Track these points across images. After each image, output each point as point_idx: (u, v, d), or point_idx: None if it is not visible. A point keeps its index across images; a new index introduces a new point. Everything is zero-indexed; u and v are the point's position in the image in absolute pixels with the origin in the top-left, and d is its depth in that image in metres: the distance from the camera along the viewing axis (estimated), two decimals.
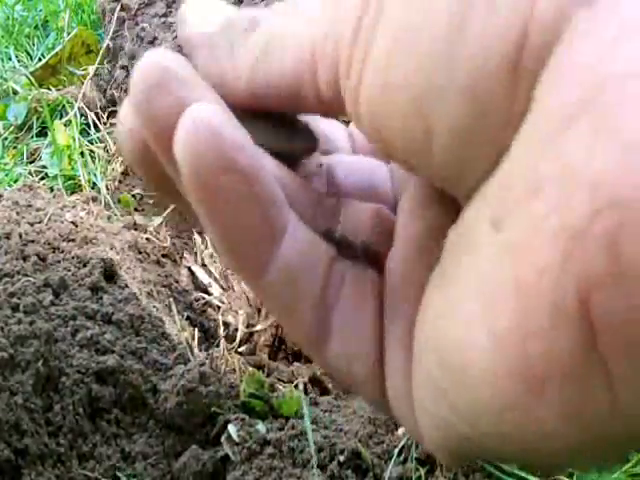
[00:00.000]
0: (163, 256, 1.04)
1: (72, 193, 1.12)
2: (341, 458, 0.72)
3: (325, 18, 0.19)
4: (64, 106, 1.26)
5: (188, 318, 0.97)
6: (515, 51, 0.15)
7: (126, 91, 1.22)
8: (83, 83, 1.29)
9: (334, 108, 0.19)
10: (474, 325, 0.15)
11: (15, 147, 1.23)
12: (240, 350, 0.99)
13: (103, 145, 1.21)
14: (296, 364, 1.12)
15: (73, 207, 1.02)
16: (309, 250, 0.20)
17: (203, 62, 0.22)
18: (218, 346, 0.94)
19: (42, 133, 1.26)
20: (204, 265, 1.07)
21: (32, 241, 0.90)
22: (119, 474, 0.70)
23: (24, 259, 0.86)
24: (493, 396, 0.15)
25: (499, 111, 0.15)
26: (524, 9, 0.14)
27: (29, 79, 1.32)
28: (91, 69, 1.31)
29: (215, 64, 0.22)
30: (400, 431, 0.75)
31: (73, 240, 0.93)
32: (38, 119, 1.26)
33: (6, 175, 1.16)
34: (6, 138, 1.25)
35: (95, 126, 1.24)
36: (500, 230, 0.15)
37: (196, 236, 1.11)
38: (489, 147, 0.16)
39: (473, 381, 0.15)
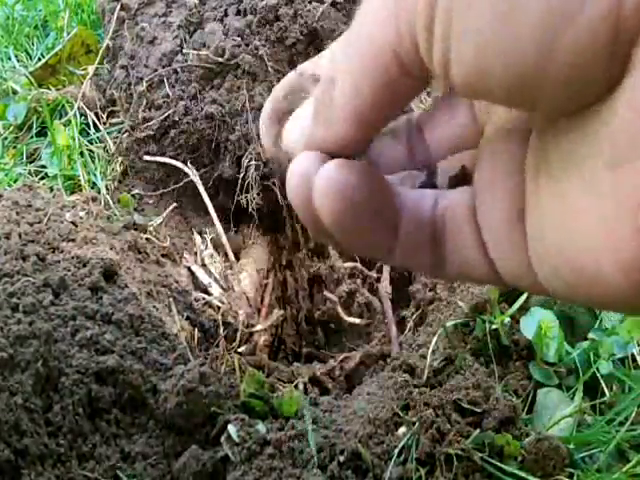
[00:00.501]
0: (163, 256, 1.04)
1: (72, 193, 1.12)
2: (341, 458, 0.72)
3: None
4: (64, 106, 1.26)
5: (188, 318, 0.97)
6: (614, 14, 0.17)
7: (126, 91, 1.22)
8: (83, 83, 1.28)
9: (418, 74, 0.22)
10: (600, 252, 0.19)
11: (15, 147, 1.23)
12: (240, 350, 0.99)
13: (103, 145, 1.21)
14: (296, 364, 1.12)
15: (73, 207, 1.02)
16: (419, 214, 0.26)
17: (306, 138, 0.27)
18: (218, 346, 0.94)
19: (42, 133, 1.26)
20: (204, 265, 1.07)
21: (32, 241, 0.90)
22: (119, 474, 0.70)
23: (24, 259, 0.85)
24: (622, 302, 0.20)
25: (599, 68, 0.18)
26: None
27: (29, 79, 1.32)
28: (91, 69, 1.31)
29: (317, 141, 0.26)
30: (400, 431, 0.74)
31: (73, 240, 0.92)
32: (38, 119, 1.26)
33: (6, 175, 1.16)
34: (6, 138, 1.24)
35: (95, 126, 1.24)
36: (615, 171, 0.18)
37: (196, 236, 1.11)
38: (595, 90, 0.18)
39: (597, 289, 0.20)
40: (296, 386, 0.97)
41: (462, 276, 0.27)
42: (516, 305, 0.84)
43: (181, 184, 1.15)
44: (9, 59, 1.45)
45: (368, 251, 0.27)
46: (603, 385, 0.78)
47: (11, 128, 1.26)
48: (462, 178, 0.28)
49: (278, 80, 1.17)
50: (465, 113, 0.28)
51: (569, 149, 0.20)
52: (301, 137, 0.26)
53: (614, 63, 0.18)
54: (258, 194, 1.14)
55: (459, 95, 0.24)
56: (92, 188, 1.13)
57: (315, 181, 0.24)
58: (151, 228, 1.06)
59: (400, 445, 0.72)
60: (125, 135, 1.19)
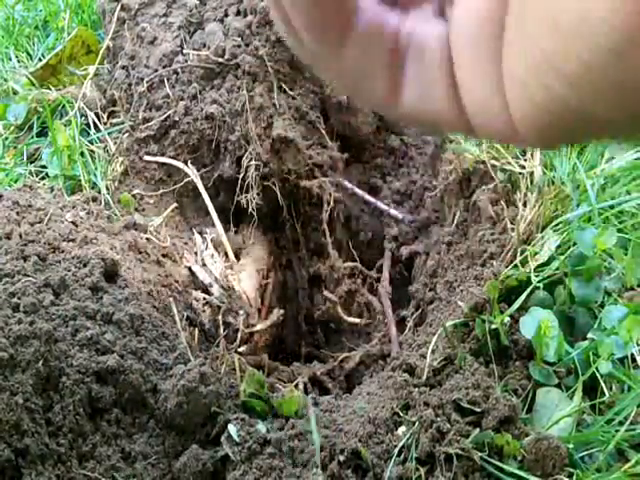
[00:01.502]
0: (163, 256, 1.04)
1: (72, 193, 1.12)
2: (341, 458, 0.72)
3: None
4: (64, 106, 1.26)
5: (188, 318, 0.97)
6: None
7: (126, 91, 1.22)
8: (83, 83, 1.29)
9: None
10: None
11: (16, 147, 1.23)
12: (240, 350, 0.99)
13: (103, 145, 1.21)
14: (296, 364, 1.12)
15: (73, 207, 1.02)
16: (380, 23, 0.24)
17: None
18: (218, 346, 0.94)
19: (42, 133, 1.26)
20: (204, 265, 1.07)
21: (32, 241, 0.90)
22: (119, 474, 0.71)
23: (24, 259, 0.86)
24: (612, 34, 0.18)
25: None
26: None
27: (29, 79, 1.32)
28: (91, 69, 1.31)
29: None
30: (400, 431, 0.75)
31: (73, 240, 0.93)
32: (38, 119, 1.26)
33: (7, 175, 1.16)
34: (7, 138, 1.25)
35: (95, 126, 1.24)
36: None
37: (196, 236, 1.11)
38: None
39: (592, 29, 0.19)
40: (296, 386, 0.97)
41: (419, 110, 0.25)
42: (516, 305, 0.85)
43: (181, 184, 1.16)
44: (9, 59, 1.45)
45: (315, 33, 0.25)
46: (603, 385, 0.78)
47: (12, 128, 1.26)
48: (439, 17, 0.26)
49: (278, 80, 1.17)
50: None
51: None
52: None
53: None
54: (258, 194, 1.14)
55: None
56: (92, 188, 1.13)
57: None
58: (151, 228, 1.07)
59: (400, 445, 0.72)
60: (125, 135, 1.19)
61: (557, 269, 0.86)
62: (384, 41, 0.24)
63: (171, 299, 0.94)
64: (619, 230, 0.89)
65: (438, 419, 0.73)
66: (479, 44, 0.23)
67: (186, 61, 1.17)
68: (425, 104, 0.25)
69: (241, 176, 1.13)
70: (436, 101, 0.24)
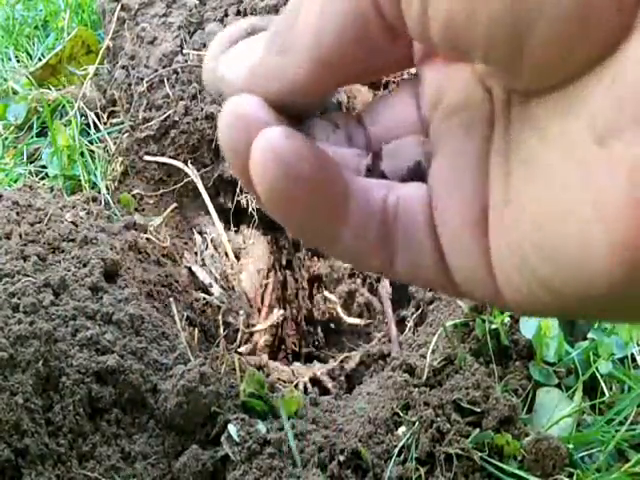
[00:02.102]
0: (163, 256, 1.04)
1: (72, 193, 1.12)
2: (341, 458, 0.72)
3: None
4: (64, 106, 1.26)
5: (188, 318, 0.97)
6: None
7: (126, 91, 1.22)
8: (83, 83, 1.29)
9: (397, 29, 0.20)
10: (587, 228, 0.17)
11: (15, 147, 1.23)
12: (240, 350, 0.99)
13: (103, 145, 1.21)
14: (296, 364, 1.12)
15: (73, 207, 1.02)
16: (369, 202, 0.24)
17: (251, 81, 0.24)
18: (218, 346, 0.94)
19: (42, 133, 1.26)
20: (204, 265, 1.07)
21: (33, 241, 0.90)
22: (119, 474, 0.71)
23: (24, 259, 0.86)
24: (608, 287, 0.18)
25: (603, 20, 0.16)
26: None
27: (29, 79, 1.32)
28: (91, 69, 1.31)
29: (266, 70, 0.23)
30: (400, 431, 0.75)
31: (73, 240, 0.93)
32: (38, 119, 1.26)
33: (6, 175, 1.16)
34: (6, 138, 1.25)
35: (95, 126, 1.24)
36: (607, 146, 0.17)
37: (196, 236, 1.11)
38: (587, 53, 0.17)
39: (586, 274, 0.18)
40: (296, 386, 0.97)
41: (412, 277, 0.25)
42: None
43: (181, 184, 1.15)
44: (9, 59, 1.45)
45: (309, 237, 0.24)
46: (603, 385, 0.78)
47: (11, 128, 1.26)
48: (416, 173, 0.25)
49: None
50: (408, 101, 0.26)
51: (545, 126, 0.19)
52: (244, 69, 0.23)
53: (621, 15, 0.16)
54: None
55: (439, 51, 0.22)
56: (92, 188, 1.13)
57: (253, 145, 0.21)
58: (151, 228, 1.07)
59: (400, 445, 0.72)
60: (125, 135, 1.19)
61: None
62: (374, 223, 0.24)
63: (171, 299, 0.94)
64: None
65: (438, 419, 0.73)
66: (463, 224, 0.23)
67: (186, 61, 1.17)
68: (416, 272, 0.24)
69: None
70: (426, 270, 0.24)
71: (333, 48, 0.21)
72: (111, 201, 1.09)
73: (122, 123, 1.22)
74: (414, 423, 0.73)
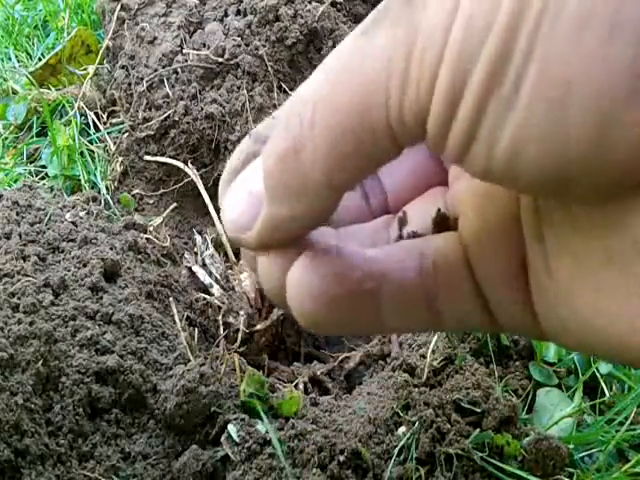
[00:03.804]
0: (163, 256, 1.04)
1: (72, 193, 1.12)
2: (341, 458, 0.72)
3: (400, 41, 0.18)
4: (64, 106, 1.26)
5: (188, 318, 0.97)
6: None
7: (126, 91, 1.22)
8: (83, 83, 1.28)
9: (409, 141, 0.19)
10: (623, 329, 0.18)
11: (15, 147, 1.23)
12: (240, 350, 0.99)
13: (103, 145, 1.21)
14: (296, 364, 1.12)
15: (73, 207, 1.02)
16: (404, 275, 0.24)
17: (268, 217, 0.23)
18: (218, 346, 0.94)
19: (42, 133, 1.26)
20: (204, 265, 1.07)
21: (32, 241, 0.90)
22: (119, 474, 0.70)
23: (24, 259, 0.86)
24: None
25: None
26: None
27: (29, 79, 1.32)
28: (91, 69, 1.31)
29: (276, 224, 0.23)
30: (400, 431, 0.74)
31: (73, 240, 0.92)
32: (38, 119, 1.26)
33: (6, 175, 1.16)
34: (6, 138, 1.25)
35: (95, 126, 1.24)
36: None
37: (196, 236, 1.11)
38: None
39: (615, 352, 0.19)
40: (296, 386, 0.97)
41: (461, 327, 0.26)
42: None
43: (181, 184, 1.15)
44: (9, 59, 1.45)
45: (357, 333, 0.27)
46: (603, 385, 0.78)
47: (11, 128, 1.26)
48: (442, 222, 0.25)
49: (278, 80, 1.17)
50: (425, 151, 0.26)
51: (587, 231, 0.19)
52: (252, 219, 0.23)
53: None
54: None
55: (469, 174, 0.20)
56: (92, 188, 1.13)
57: (288, 286, 0.23)
58: (151, 228, 1.06)
59: (400, 445, 0.72)
60: (125, 135, 1.19)
61: None
62: (414, 288, 0.24)
63: (171, 299, 0.94)
64: None
65: (438, 419, 0.73)
66: (502, 280, 0.23)
67: (186, 61, 1.17)
68: (466, 324, 0.25)
69: None
70: (475, 321, 0.25)
71: (348, 174, 0.20)
72: (111, 201, 1.09)
73: (122, 123, 1.22)
74: (414, 423, 0.73)
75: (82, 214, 1.01)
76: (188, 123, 1.13)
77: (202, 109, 1.13)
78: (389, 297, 0.23)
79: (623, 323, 0.18)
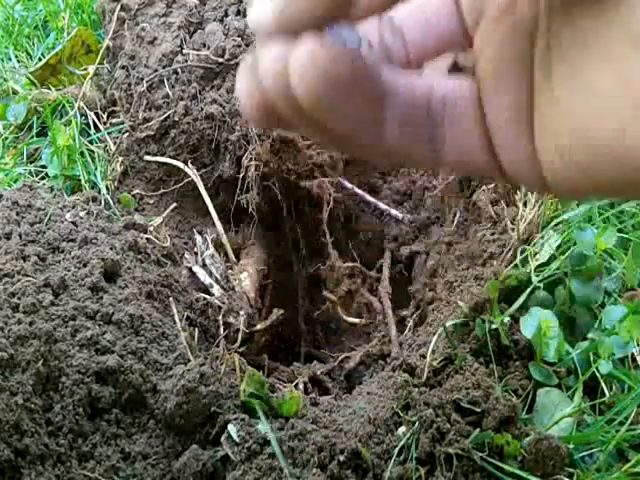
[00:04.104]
0: (163, 256, 1.04)
1: (72, 193, 1.12)
2: (341, 458, 0.72)
3: None
4: (64, 106, 1.26)
5: (188, 318, 0.97)
6: None
7: (126, 91, 1.22)
8: (83, 83, 1.28)
9: None
10: (625, 124, 0.20)
11: (15, 147, 1.23)
12: (240, 350, 0.99)
13: (103, 145, 1.21)
14: (296, 364, 1.12)
15: (73, 207, 1.02)
16: (415, 94, 0.25)
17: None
18: (218, 346, 0.94)
19: (42, 133, 1.26)
20: (204, 265, 1.07)
21: (32, 241, 0.90)
22: (119, 474, 0.70)
23: (24, 259, 0.86)
24: None
25: None
26: None
27: (29, 79, 1.32)
28: (91, 69, 1.31)
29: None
30: (400, 431, 0.74)
31: (73, 240, 0.93)
32: (38, 119, 1.26)
33: (6, 175, 1.16)
34: (6, 138, 1.25)
35: (95, 126, 1.24)
36: None
37: (196, 236, 1.11)
38: None
39: (616, 164, 0.21)
40: (296, 386, 0.97)
41: (460, 165, 0.27)
42: (516, 305, 0.84)
43: (181, 184, 1.15)
44: (9, 59, 1.45)
45: (355, 127, 0.25)
46: (603, 385, 0.78)
47: (11, 128, 1.26)
48: (455, 66, 0.28)
49: None
50: (448, 9, 0.28)
51: (586, 35, 0.21)
52: (273, 10, 0.23)
53: None
54: (258, 194, 1.14)
55: None
56: (92, 188, 1.13)
57: (292, 62, 0.22)
58: (151, 228, 1.06)
59: (400, 445, 0.72)
60: (125, 135, 1.19)
61: (557, 269, 0.86)
62: (419, 114, 0.26)
63: (171, 299, 0.94)
64: (619, 230, 0.89)
65: (438, 419, 0.73)
66: (510, 118, 0.25)
67: (186, 61, 1.17)
68: (466, 160, 0.27)
69: (241, 176, 1.13)
70: (475, 158, 0.26)
71: None
72: (111, 201, 1.09)
73: (122, 123, 1.22)
74: (414, 423, 0.73)
75: (82, 214, 1.01)
76: (188, 123, 1.13)
77: (202, 109, 1.13)
78: (393, 111, 0.25)
79: (617, 130, 0.20)
